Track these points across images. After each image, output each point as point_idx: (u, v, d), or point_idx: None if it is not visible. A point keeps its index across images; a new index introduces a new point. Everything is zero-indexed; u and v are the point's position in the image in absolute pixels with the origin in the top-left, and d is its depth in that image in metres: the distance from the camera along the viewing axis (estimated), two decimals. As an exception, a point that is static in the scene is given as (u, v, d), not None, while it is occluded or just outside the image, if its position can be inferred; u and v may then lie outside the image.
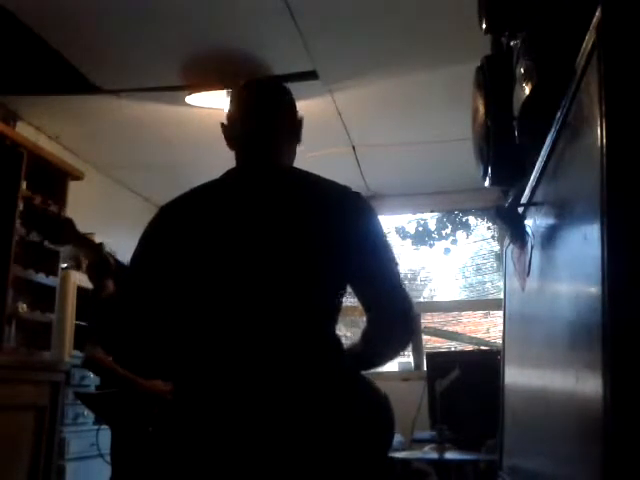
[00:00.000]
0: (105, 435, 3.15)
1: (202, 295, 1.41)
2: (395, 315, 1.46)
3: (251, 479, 1.29)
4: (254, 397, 1.31)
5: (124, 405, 2.97)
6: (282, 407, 1.30)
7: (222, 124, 1.57)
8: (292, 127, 1.58)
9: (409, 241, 5.93)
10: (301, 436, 1.30)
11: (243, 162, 1.54)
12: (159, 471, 1.43)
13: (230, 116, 1.57)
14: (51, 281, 3.63)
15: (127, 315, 1.44)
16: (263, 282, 1.38)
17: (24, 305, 3.48)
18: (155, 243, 1.46)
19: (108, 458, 3.03)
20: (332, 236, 1.43)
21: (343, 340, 1.47)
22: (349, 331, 5.06)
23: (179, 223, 1.44)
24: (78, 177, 3.96)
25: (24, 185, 3.45)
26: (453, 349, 5.70)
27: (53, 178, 3.79)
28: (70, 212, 3.80)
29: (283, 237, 1.40)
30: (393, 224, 5.86)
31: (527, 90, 1.48)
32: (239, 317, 1.38)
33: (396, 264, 1.49)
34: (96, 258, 1.78)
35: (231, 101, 1.59)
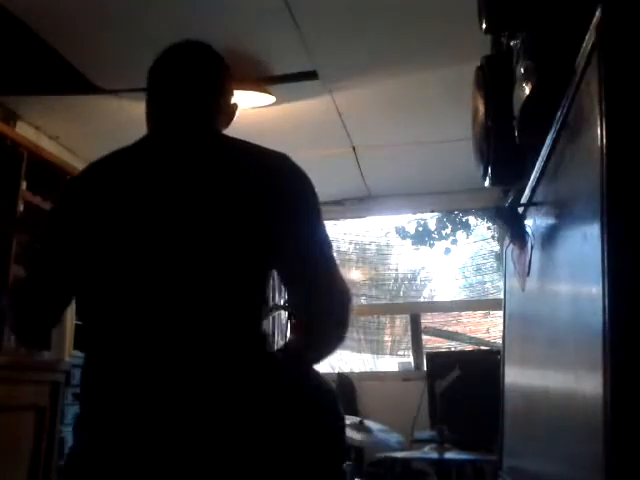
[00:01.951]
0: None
1: (107, 271, 1.28)
2: (328, 304, 1.26)
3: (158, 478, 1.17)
4: (161, 385, 1.19)
5: None
6: (188, 397, 1.17)
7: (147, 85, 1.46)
8: (219, 88, 1.45)
9: (409, 241, 5.93)
10: (209, 430, 1.16)
11: (159, 124, 1.42)
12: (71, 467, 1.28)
13: (148, 83, 1.44)
14: (51, 281, 3.63)
15: (33, 295, 1.37)
16: (173, 257, 1.23)
17: (24, 305, 3.48)
18: (61, 217, 1.38)
19: None
20: (249, 203, 1.26)
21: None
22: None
23: (85, 194, 1.35)
24: (78, 177, 3.96)
25: (24, 185, 3.45)
26: (453, 349, 5.70)
27: (53, 178, 3.78)
28: (70, 212, 3.81)
29: (195, 206, 1.25)
30: (393, 224, 5.87)
31: (527, 90, 1.47)
32: (146, 295, 1.23)
33: (325, 236, 1.31)
34: None
35: (152, 65, 1.45)
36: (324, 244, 1.31)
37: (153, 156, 1.36)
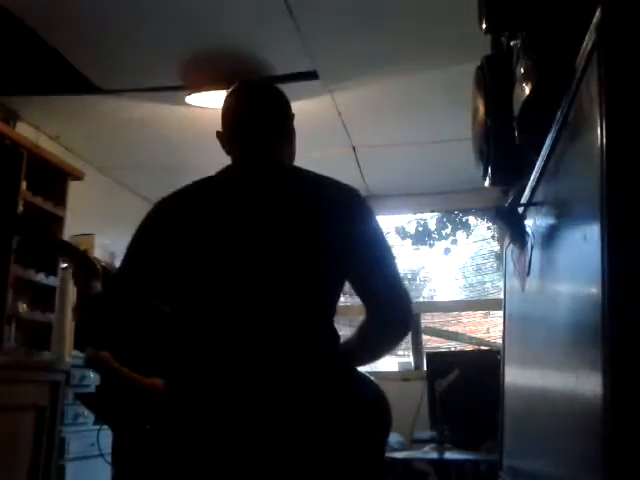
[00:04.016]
0: (105, 435, 3.15)
1: (196, 290, 1.41)
2: (393, 313, 1.46)
3: (243, 477, 1.29)
4: (248, 394, 1.31)
5: (124, 404, 2.97)
6: (275, 405, 1.30)
7: (218, 132, 1.58)
8: (288, 127, 1.59)
9: (409, 241, 5.92)
10: (293, 433, 1.30)
11: (241, 159, 1.54)
12: (156, 468, 1.42)
13: (225, 121, 1.57)
14: (51, 281, 3.63)
15: (117, 308, 1.44)
16: (258, 278, 1.38)
17: (24, 305, 3.48)
18: (150, 236, 1.46)
19: (109, 458, 3.04)
20: (329, 233, 1.43)
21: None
22: (348, 331, 5.05)
23: (175, 217, 1.44)
24: (78, 177, 3.96)
25: (24, 185, 3.45)
26: (453, 349, 5.70)
27: (53, 178, 3.79)
28: (70, 212, 3.81)
29: (279, 233, 1.41)
30: (393, 224, 5.86)
31: (527, 90, 1.47)
32: (234, 314, 1.37)
33: (395, 262, 1.50)
34: (79, 265, 1.73)
35: (224, 104, 1.59)
36: (390, 259, 1.50)
37: (244, 185, 1.48)
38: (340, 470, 1.33)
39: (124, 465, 2.93)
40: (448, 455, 2.76)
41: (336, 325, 1.49)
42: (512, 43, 1.82)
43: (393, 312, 1.46)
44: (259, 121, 1.54)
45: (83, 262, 1.74)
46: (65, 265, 3.78)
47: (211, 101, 3.58)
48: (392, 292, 1.46)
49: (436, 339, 5.81)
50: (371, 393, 1.46)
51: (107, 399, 3.05)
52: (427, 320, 5.75)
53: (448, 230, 5.89)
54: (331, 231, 1.43)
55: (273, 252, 1.39)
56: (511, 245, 2.04)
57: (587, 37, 1.15)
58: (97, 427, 3.37)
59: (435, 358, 4.14)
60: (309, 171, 1.52)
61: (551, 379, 1.47)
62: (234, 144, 1.55)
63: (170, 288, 1.44)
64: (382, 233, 1.52)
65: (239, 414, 1.30)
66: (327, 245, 1.43)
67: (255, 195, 1.45)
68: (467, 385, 3.16)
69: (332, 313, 1.47)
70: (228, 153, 1.57)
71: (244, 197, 1.45)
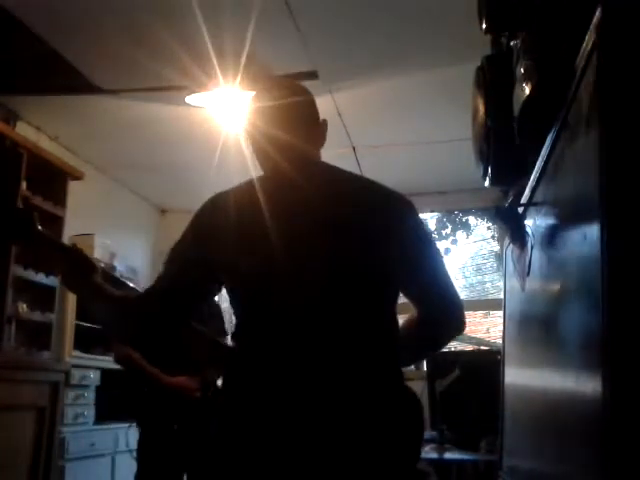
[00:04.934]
0: (109, 434, 3.16)
1: (252, 291, 1.39)
2: (447, 311, 1.48)
3: (297, 476, 1.29)
4: (306, 396, 1.29)
5: (153, 403, 3.00)
6: (335, 408, 1.28)
7: (245, 129, 1.53)
8: (318, 126, 1.54)
9: (409, 241, 5.92)
10: (349, 438, 1.28)
11: (281, 163, 1.48)
12: (214, 465, 1.40)
13: (254, 122, 1.51)
14: (51, 281, 3.63)
15: (162, 309, 1.42)
16: (315, 281, 1.35)
17: (24, 305, 3.49)
18: (204, 231, 1.43)
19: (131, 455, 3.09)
20: (383, 235, 1.42)
21: None
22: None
23: (230, 213, 1.41)
24: (78, 177, 3.96)
25: (24, 185, 3.45)
26: (453, 349, 5.69)
27: (53, 178, 3.79)
28: (70, 212, 3.81)
29: (336, 234, 1.38)
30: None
31: (527, 90, 1.47)
32: (291, 323, 1.34)
33: (443, 261, 1.52)
34: (66, 264, 1.53)
35: (253, 106, 1.53)
36: (439, 258, 1.51)
37: (293, 186, 1.45)
38: (388, 475, 1.33)
39: (149, 463, 2.95)
40: (448, 455, 2.76)
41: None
42: (512, 43, 1.82)
43: (447, 313, 1.49)
44: (283, 121, 1.48)
45: (76, 257, 1.54)
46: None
47: (211, 101, 3.59)
48: (445, 293, 1.48)
49: (436, 339, 5.80)
50: (416, 404, 1.44)
51: (136, 398, 3.07)
52: (427, 320, 5.74)
53: (448, 230, 5.89)
54: (382, 233, 1.42)
55: (328, 256, 1.37)
56: (511, 245, 2.04)
57: (587, 37, 1.15)
58: (127, 425, 3.41)
59: (435, 358, 4.13)
60: (351, 172, 1.52)
61: (551, 379, 1.47)
62: (265, 148, 1.50)
63: (222, 286, 1.44)
64: (430, 234, 1.56)
65: (297, 421, 1.28)
66: (379, 247, 1.41)
67: (306, 194, 1.42)
68: (467, 385, 3.16)
69: (391, 319, 1.44)
70: (257, 154, 1.52)
71: (294, 197, 1.42)
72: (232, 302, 1.46)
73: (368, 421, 1.30)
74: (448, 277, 1.51)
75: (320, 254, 1.36)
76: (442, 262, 1.52)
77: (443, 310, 1.49)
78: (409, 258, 1.45)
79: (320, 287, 1.35)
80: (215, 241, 1.40)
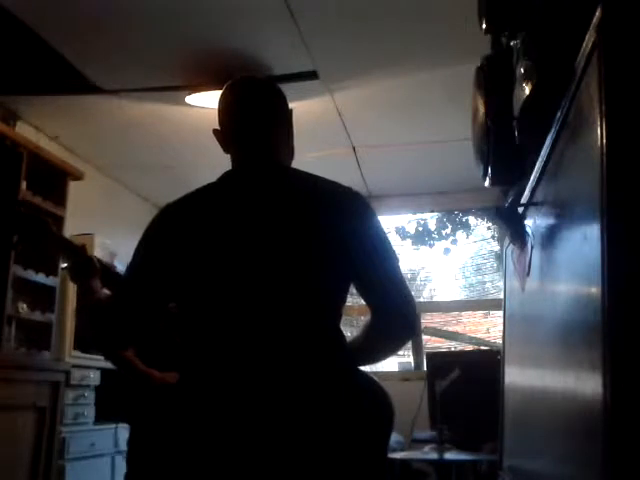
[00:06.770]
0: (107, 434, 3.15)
1: (203, 293, 1.42)
2: (397, 314, 1.46)
3: (247, 474, 1.30)
4: (252, 393, 1.32)
5: (145, 401, 2.99)
6: (280, 401, 1.31)
7: (214, 130, 1.57)
8: (287, 125, 1.58)
9: (409, 241, 5.92)
10: (298, 431, 1.31)
11: (242, 163, 1.54)
12: (159, 462, 1.44)
13: (222, 119, 1.57)
14: (51, 281, 3.63)
15: (129, 312, 1.45)
16: (264, 280, 1.39)
17: (24, 305, 3.48)
18: (157, 241, 1.46)
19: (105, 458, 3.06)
20: (332, 235, 1.44)
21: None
22: (347, 331, 5.06)
23: (181, 222, 1.45)
24: (78, 177, 3.96)
25: (24, 185, 3.45)
26: (453, 349, 5.69)
27: (53, 178, 3.78)
28: (70, 212, 3.81)
29: (284, 235, 1.42)
30: (393, 224, 5.86)
31: (527, 90, 1.47)
32: (238, 315, 1.39)
33: (398, 263, 1.50)
34: (76, 261, 1.72)
35: (221, 103, 1.58)
36: (393, 260, 1.49)
37: (247, 190, 1.48)
38: (343, 467, 1.34)
39: (138, 463, 2.94)
40: (448, 455, 2.76)
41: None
42: (512, 43, 1.82)
43: (398, 315, 1.46)
44: (258, 120, 1.53)
45: (82, 259, 1.73)
46: (65, 265, 3.78)
47: (211, 101, 3.58)
48: (397, 294, 1.46)
49: (436, 339, 5.81)
50: (374, 390, 1.47)
51: (128, 397, 3.06)
52: (427, 320, 5.75)
53: (448, 230, 5.89)
54: (333, 233, 1.44)
55: (277, 254, 1.40)
56: (511, 245, 2.04)
57: (587, 37, 1.15)
58: (114, 425, 3.39)
59: (435, 358, 4.13)
60: (310, 174, 1.52)
61: (551, 379, 1.47)
62: (233, 145, 1.55)
63: (178, 291, 1.45)
64: (385, 235, 1.52)
65: (243, 412, 1.31)
66: (330, 247, 1.43)
67: (258, 199, 1.45)
68: (467, 385, 3.16)
69: (337, 314, 1.47)
70: (226, 152, 1.57)
71: (247, 201, 1.46)
72: (180, 304, 1.49)
73: (304, 406, 1.32)
74: (400, 275, 1.50)
75: (269, 255, 1.40)
76: (395, 259, 1.50)
77: (392, 304, 1.46)
78: (361, 254, 1.45)
79: (270, 290, 1.38)
80: (165, 250, 1.43)
